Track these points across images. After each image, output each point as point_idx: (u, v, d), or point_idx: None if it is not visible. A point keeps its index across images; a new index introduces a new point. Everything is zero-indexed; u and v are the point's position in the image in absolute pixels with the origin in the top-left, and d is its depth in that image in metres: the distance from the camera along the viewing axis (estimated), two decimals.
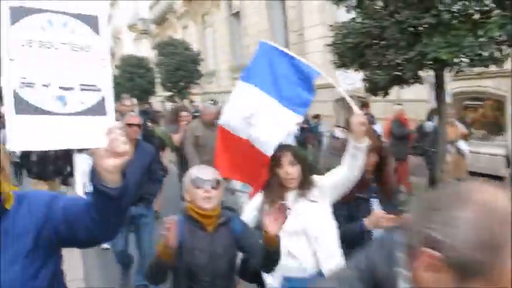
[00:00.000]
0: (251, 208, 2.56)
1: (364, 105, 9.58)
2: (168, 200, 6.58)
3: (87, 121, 1.41)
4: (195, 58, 15.92)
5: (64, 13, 1.40)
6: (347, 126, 4.52)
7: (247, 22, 16.72)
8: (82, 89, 1.42)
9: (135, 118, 4.47)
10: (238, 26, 18.09)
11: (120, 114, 4.85)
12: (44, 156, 5.74)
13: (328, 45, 6.14)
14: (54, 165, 5.88)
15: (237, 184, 5.43)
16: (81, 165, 8.71)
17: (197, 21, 22.93)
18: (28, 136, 1.33)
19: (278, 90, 2.77)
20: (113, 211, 1.34)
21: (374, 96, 6.30)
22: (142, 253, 4.26)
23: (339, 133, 7.49)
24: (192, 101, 23.72)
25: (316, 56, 12.41)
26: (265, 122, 2.65)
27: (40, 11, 1.36)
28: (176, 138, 6.50)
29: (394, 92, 6.42)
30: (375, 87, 5.72)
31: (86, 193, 4.31)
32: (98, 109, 1.45)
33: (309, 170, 2.60)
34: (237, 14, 18.08)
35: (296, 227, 2.32)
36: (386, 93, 5.81)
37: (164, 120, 14.45)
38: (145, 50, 36.89)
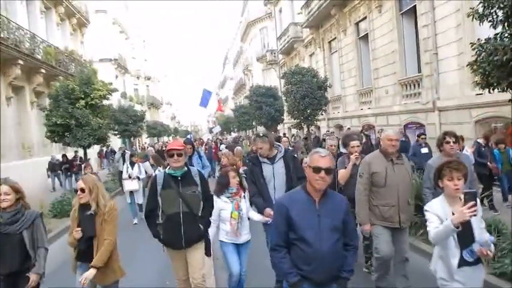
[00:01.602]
0: None
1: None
2: None
3: None
4: (322, 85, 15.89)
5: None
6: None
7: (376, 44, 16.25)
8: None
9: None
10: (366, 49, 17.69)
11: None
12: None
13: (470, 64, 5.52)
14: None
15: None
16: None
17: (324, 48, 23.03)
18: None
19: None
20: None
21: None
22: None
23: None
24: (318, 127, 23.74)
25: (452, 75, 11.55)
26: None
27: None
28: (343, 174, 5.61)
29: None
30: None
31: None
32: None
33: None
34: (365, 37, 17.72)
35: None
36: None
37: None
38: (273, 79, 38.26)
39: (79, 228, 4.07)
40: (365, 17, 17.23)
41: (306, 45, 26.41)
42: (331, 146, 6.66)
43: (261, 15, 43.10)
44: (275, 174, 5.07)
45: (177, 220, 4.26)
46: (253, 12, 44.98)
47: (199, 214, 4.38)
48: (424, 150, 10.18)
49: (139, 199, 10.82)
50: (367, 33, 17.24)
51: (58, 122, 13.60)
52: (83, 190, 4.09)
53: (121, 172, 14.98)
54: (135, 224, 10.66)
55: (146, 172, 10.99)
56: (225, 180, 4.94)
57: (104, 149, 26.88)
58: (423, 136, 10.76)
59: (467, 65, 5.94)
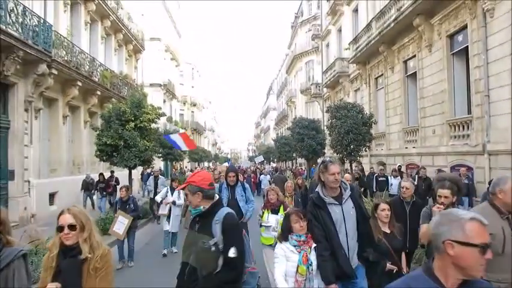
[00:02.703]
0: None
1: None
2: None
3: None
4: (367, 121, 15.79)
5: None
6: None
7: (425, 83, 16.11)
8: None
9: None
10: (413, 87, 17.54)
11: None
12: None
13: None
14: None
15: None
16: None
17: (370, 84, 23.01)
18: None
19: None
20: None
21: None
22: None
23: None
24: (360, 163, 23.45)
25: (504, 118, 11.24)
26: None
27: None
28: (425, 231, 4.33)
29: None
30: None
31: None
32: None
33: None
34: (412, 75, 17.61)
35: None
36: None
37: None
38: (316, 112, 38.39)
39: (55, 284, 2.83)
40: (414, 55, 17.16)
41: (352, 80, 26.47)
42: (403, 189, 5.82)
43: (307, 48, 43.74)
44: (346, 217, 4.02)
45: (184, 272, 3.23)
46: (300, 45, 45.71)
47: (209, 276, 3.06)
48: None
49: (174, 227, 9.95)
50: (415, 72, 17.12)
51: (108, 142, 14.10)
52: (72, 227, 2.91)
53: (152, 199, 14.70)
54: (164, 255, 9.77)
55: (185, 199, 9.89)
56: (285, 223, 4.09)
57: (147, 170, 24.82)
58: None
59: None
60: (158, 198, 10.34)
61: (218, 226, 3.10)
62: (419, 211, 4.73)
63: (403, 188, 5.85)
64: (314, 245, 3.95)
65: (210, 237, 3.09)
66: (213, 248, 3.05)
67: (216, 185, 7.83)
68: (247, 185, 7.80)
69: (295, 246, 3.90)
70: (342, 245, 3.92)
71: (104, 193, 16.48)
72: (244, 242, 3.31)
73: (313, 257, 3.89)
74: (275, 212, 6.54)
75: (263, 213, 6.70)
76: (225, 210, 3.26)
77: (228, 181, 7.46)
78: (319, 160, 32.86)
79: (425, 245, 4.46)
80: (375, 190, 14.80)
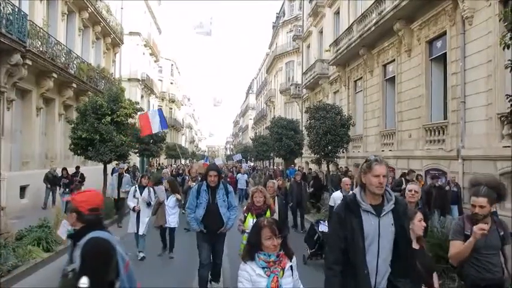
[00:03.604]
0: None
1: None
2: None
3: None
4: (345, 123, 15.91)
5: None
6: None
7: (403, 87, 16.31)
8: None
9: None
10: (391, 91, 17.75)
11: None
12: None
13: (505, 116, 5.49)
14: None
15: None
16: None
17: (349, 86, 23.19)
18: None
19: None
20: None
21: None
22: None
23: None
24: (337, 164, 23.62)
25: (479, 124, 11.47)
26: None
27: None
28: (460, 250, 3.84)
29: None
30: None
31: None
32: None
33: None
34: (391, 79, 17.82)
35: None
36: None
37: None
38: (295, 112, 38.54)
39: None
40: (393, 60, 17.37)
41: (331, 82, 26.64)
42: (411, 192, 5.20)
43: (288, 49, 43.87)
44: (381, 233, 3.13)
45: None
46: (281, 46, 45.81)
47: None
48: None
49: (142, 229, 8.96)
50: (394, 76, 17.34)
51: (83, 136, 13.81)
52: None
53: (116, 199, 13.59)
54: (143, 258, 8.88)
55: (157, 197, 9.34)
56: (254, 238, 3.21)
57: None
58: None
59: (501, 117, 5.87)
60: (130, 203, 9.22)
61: (78, 251, 2.74)
62: (426, 219, 4.37)
63: (410, 191, 5.20)
64: (289, 263, 3.22)
65: (71, 265, 2.80)
66: (70, 275, 2.76)
67: (194, 186, 7.19)
68: (230, 188, 6.57)
69: (263, 268, 3.11)
70: (368, 266, 3.09)
71: (67, 189, 14.65)
72: (106, 273, 2.72)
73: (286, 280, 3.16)
74: (260, 217, 5.46)
75: (245, 217, 5.92)
76: (93, 234, 2.79)
77: (207, 181, 6.22)
78: (296, 160, 33.00)
79: (456, 265, 3.99)
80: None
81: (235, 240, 7.09)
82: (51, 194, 15.96)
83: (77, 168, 16.71)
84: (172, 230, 9.24)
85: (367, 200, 3.20)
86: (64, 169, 15.56)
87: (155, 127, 16.27)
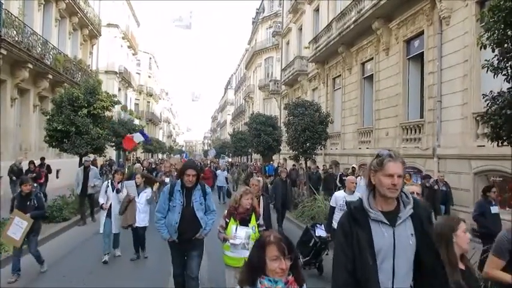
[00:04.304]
0: None
1: None
2: None
3: None
4: (324, 120, 16.03)
5: None
6: None
7: (380, 86, 16.54)
8: None
9: None
10: (369, 89, 17.98)
11: None
12: None
13: (481, 115, 5.64)
14: None
15: None
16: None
17: (328, 84, 23.38)
18: None
19: None
20: None
21: None
22: None
23: None
24: (314, 161, 23.82)
25: (454, 124, 11.74)
26: None
27: None
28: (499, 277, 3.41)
29: None
30: None
31: None
32: None
33: None
34: (369, 77, 18.05)
35: None
36: None
37: None
38: (273, 108, 38.64)
39: None
40: (371, 58, 17.60)
41: (310, 79, 26.81)
42: (414, 194, 4.10)
43: (267, 45, 43.90)
44: (397, 247, 2.50)
45: None
46: (261, 42, 45.81)
47: None
48: (495, 209, 7.53)
49: (116, 227, 8.38)
50: (372, 74, 17.57)
51: (58, 128, 13.53)
52: None
53: (83, 195, 12.16)
54: (105, 262, 8.08)
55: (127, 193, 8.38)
56: (256, 258, 2.38)
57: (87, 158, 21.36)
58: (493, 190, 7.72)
59: (476, 116, 6.02)
60: (101, 199, 8.47)
61: None
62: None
63: (412, 193, 4.72)
64: None
65: None
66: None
67: (167, 183, 6.00)
68: (208, 189, 5.59)
69: None
70: None
71: (36, 184, 14.60)
72: None
73: None
74: (245, 222, 4.96)
75: (227, 224, 5.00)
76: None
77: (183, 181, 5.25)
78: (275, 157, 33.01)
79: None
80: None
81: (215, 249, 6.39)
82: (16, 188, 15.27)
83: (42, 159, 16.10)
84: (142, 229, 8.38)
85: (378, 206, 2.59)
86: (31, 162, 14.96)
87: (138, 139, 18.38)
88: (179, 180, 5.37)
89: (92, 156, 15.52)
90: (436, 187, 11.02)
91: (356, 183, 7.54)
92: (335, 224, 6.33)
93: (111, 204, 8.30)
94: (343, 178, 14.64)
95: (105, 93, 15.75)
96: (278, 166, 25.15)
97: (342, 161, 20.26)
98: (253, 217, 5.02)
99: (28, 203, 6.96)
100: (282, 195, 11.62)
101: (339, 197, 7.34)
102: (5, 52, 14.31)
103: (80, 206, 12.50)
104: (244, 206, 4.97)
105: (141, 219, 8.30)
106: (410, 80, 14.89)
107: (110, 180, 8.71)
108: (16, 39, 15.25)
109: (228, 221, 5.00)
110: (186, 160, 19.25)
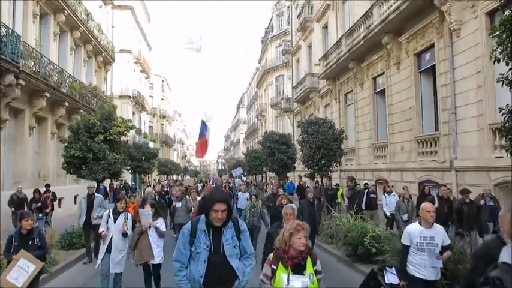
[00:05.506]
0: None
1: None
2: None
3: None
4: (338, 136, 16.03)
5: None
6: None
7: (393, 100, 16.52)
8: None
9: None
10: (382, 104, 17.96)
11: None
12: None
13: (498, 129, 5.61)
14: None
15: None
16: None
17: (339, 99, 23.41)
18: None
19: None
20: None
21: None
22: None
23: None
24: (330, 178, 23.72)
25: (471, 135, 11.62)
26: None
27: None
28: None
29: None
30: None
31: None
32: None
33: None
34: (381, 92, 18.04)
35: None
36: None
37: None
38: (286, 126, 38.70)
39: None
40: (383, 73, 17.61)
41: (322, 96, 26.86)
42: (430, 213, 4.93)
43: (278, 63, 44.26)
44: None
45: None
46: (271, 60, 46.22)
47: None
48: None
49: (116, 266, 6.99)
50: (384, 88, 17.56)
51: (76, 155, 13.74)
52: None
53: (88, 227, 10.53)
54: None
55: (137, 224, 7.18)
56: None
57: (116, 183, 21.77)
58: None
59: (493, 128, 5.99)
60: (101, 228, 7.25)
61: None
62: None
63: (429, 212, 4.93)
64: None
65: None
66: None
67: (186, 225, 3.97)
68: (243, 225, 4.02)
69: None
70: None
71: (41, 214, 13.55)
72: None
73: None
74: (299, 270, 3.61)
75: (274, 272, 3.63)
76: None
77: (210, 218, 3.76)
78: (289, 174, 32.90)
79: None
80: (364, 208, 13.86)
81: None
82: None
83: (47, 186, 15.56)
84: (158, 266, 7.08)
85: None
86: (36, 191, 14.05)
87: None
88: (203, 216, 3.87)
89: (94, 184, 13.50)
90: (482, 202, 9.78)
91: (433, 213, 5.35)
92: (411, 269, 5.22)
93: (111, 238, 7.04)
94: (371, 196, 14.27)
95: (121, 119, 15.96)
96: (301, 184, 24.93)
97: (358, 177, 20.14)
98: (308, 261, 3.65)
99: (30, 242, 5.78)
100: (310, 217, 9.73)
101: (414, 232, 5.33)
102: (23, 83, 14.70)
103: (85, 240, 10.90)
104: (296, 247, 3.58)
105: (156, 254, 6.95)
106: (423, 93, 14.85)
107: (111, 209, 7.39)
108: (34, 69, 15.69)
109: (275, 268, 3.62)
110: (211, 186, 18.27)
